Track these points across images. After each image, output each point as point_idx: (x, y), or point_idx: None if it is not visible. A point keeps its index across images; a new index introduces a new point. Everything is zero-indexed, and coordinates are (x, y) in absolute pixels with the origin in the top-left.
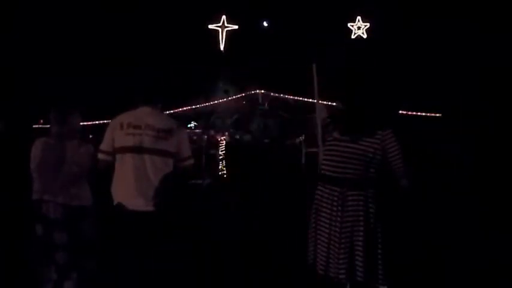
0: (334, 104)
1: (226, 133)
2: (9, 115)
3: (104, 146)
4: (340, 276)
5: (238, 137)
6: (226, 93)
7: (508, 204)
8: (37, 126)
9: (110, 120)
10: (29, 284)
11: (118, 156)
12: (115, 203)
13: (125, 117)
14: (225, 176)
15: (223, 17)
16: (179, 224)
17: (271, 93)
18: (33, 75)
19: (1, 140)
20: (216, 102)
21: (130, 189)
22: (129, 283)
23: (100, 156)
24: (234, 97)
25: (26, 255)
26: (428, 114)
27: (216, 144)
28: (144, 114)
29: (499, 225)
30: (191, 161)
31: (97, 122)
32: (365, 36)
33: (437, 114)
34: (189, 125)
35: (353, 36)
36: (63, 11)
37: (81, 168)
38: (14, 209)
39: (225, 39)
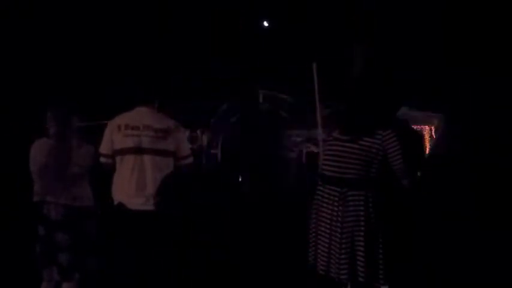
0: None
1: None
2: (15, 117)
3: (103, 149)
4: (342, 277)
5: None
6: None
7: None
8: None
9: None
10: (31, 285)
11: (118, 158)
12: (116, 202)
13: (122, 119)
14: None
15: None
16: (180, 223)
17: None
18: (35, 77)
19: (5, 141)
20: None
21: (131, 189)
22: (129, 282)
23: (101, 159)
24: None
25: (28, 257)
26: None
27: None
28: (141, 115)
29: (501, 223)
30: (190, 160)
31: (97, 123)
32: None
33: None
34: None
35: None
36: (64, 9)
37: (82, 169)
38: (16, 210)
39: (226, 38)
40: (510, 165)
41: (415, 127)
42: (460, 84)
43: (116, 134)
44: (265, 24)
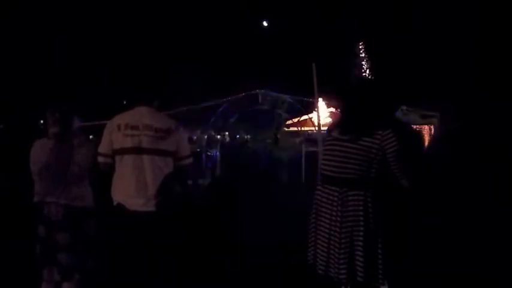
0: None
1: (227, 133)
2: (11, 117)
3: (102, 149)
4: (341, 277)
5: (238, 136)
6: None
7: None
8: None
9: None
10: (31, 285)
11: (117, 158)
12: (115, 203)
13: (122, 118)
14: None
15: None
16: (179, 223)
17: (272, 93)
18: (35, 77)
19: (3, 141)
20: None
21: (130, 189)
22: (129, 283)
23: (100, 159)
24: (234, 97)
25: (28, 257)
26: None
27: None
28: (141, 114)
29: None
30: (190, 160)
31: (97, 123)
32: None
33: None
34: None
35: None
36: (65, 10)
37: (82, 169)
38: (16, 210)
39: (226, 39)
40: (509, 165)
41: (415, 127)
42: (459, 83)
43: (115, 134)
44: (265, 24)
